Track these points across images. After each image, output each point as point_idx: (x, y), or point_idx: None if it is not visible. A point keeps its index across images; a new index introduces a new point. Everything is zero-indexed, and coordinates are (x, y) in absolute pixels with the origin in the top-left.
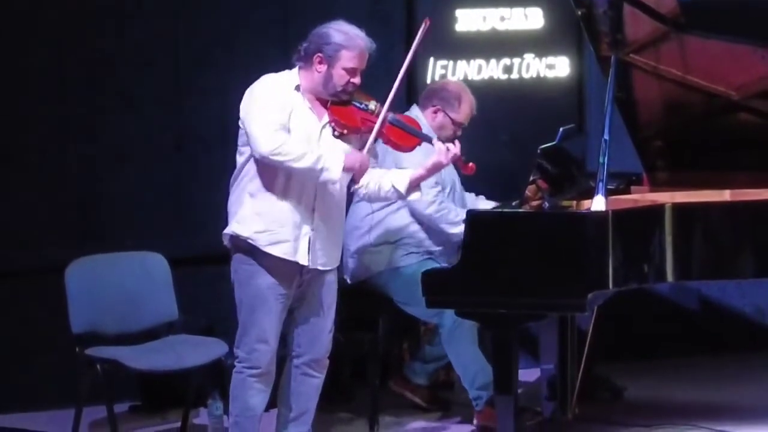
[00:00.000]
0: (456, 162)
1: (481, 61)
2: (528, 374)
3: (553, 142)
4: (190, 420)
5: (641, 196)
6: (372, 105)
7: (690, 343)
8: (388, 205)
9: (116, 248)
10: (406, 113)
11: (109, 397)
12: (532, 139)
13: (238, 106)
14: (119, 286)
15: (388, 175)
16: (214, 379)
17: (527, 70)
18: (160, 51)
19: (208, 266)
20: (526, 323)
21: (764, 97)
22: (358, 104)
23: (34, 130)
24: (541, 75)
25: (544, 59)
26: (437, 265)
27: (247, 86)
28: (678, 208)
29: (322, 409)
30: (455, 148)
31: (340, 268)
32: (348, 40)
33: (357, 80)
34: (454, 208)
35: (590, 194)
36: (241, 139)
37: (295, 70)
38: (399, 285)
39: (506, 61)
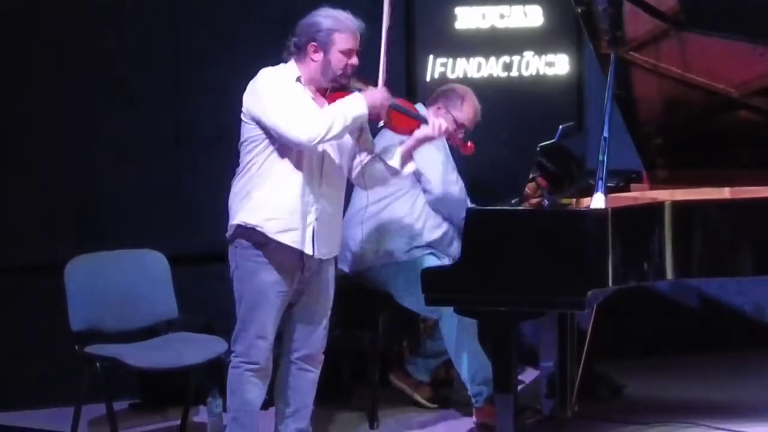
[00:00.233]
0: (452, 140)
1: (480, 59)
2: (527, 375)
3: (553, 140)
4: (189, 418)
5: (641, 194)
6: (371, 89)
7: (689, 340)
8: (386, 197)
9: (116, 246)
10: None
11: (108, 395)
12: (532, 136)
13: (238, 105)
14: (119, 284)
15: (378, 157)
16: (214, 377)
17: (527, 68)
18: (160, 50)
19: (207, 264)
20: (526, 320)
21: (764, 95)
22: (357, 90)
23: (34, 129)
24: (541, 73)
25: (543, 57)
26: (437, 260)
27: (247, 85)
28: (678, 205)
29: (322, 406)
30: (447, 124)
31: (338, 263)
32: (338, 23)
33: (354, 61)
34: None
35: (590, 192)
36: (244, 134)
37: (292, 62)
38: (399, 279)
39: (506, 58)
